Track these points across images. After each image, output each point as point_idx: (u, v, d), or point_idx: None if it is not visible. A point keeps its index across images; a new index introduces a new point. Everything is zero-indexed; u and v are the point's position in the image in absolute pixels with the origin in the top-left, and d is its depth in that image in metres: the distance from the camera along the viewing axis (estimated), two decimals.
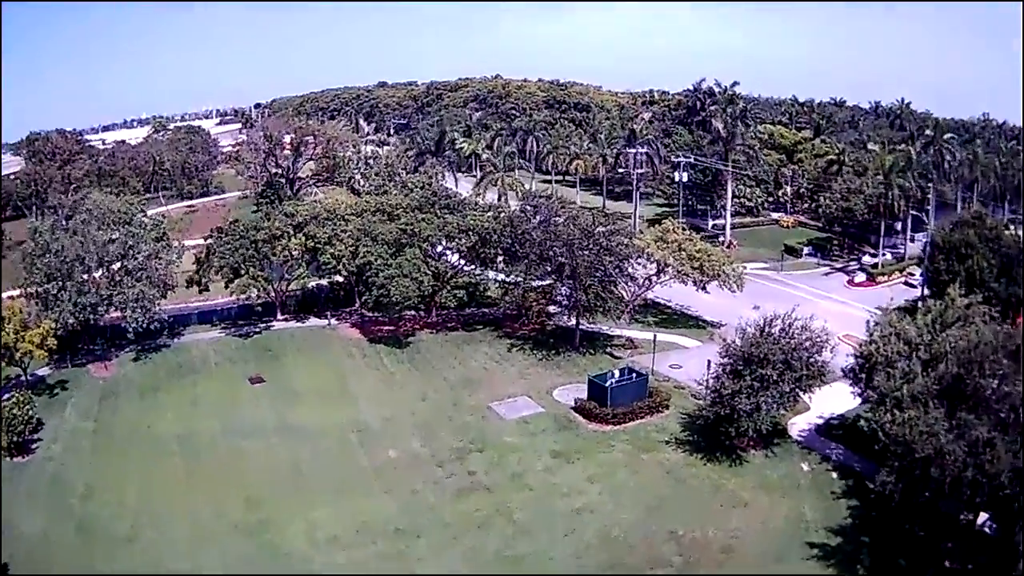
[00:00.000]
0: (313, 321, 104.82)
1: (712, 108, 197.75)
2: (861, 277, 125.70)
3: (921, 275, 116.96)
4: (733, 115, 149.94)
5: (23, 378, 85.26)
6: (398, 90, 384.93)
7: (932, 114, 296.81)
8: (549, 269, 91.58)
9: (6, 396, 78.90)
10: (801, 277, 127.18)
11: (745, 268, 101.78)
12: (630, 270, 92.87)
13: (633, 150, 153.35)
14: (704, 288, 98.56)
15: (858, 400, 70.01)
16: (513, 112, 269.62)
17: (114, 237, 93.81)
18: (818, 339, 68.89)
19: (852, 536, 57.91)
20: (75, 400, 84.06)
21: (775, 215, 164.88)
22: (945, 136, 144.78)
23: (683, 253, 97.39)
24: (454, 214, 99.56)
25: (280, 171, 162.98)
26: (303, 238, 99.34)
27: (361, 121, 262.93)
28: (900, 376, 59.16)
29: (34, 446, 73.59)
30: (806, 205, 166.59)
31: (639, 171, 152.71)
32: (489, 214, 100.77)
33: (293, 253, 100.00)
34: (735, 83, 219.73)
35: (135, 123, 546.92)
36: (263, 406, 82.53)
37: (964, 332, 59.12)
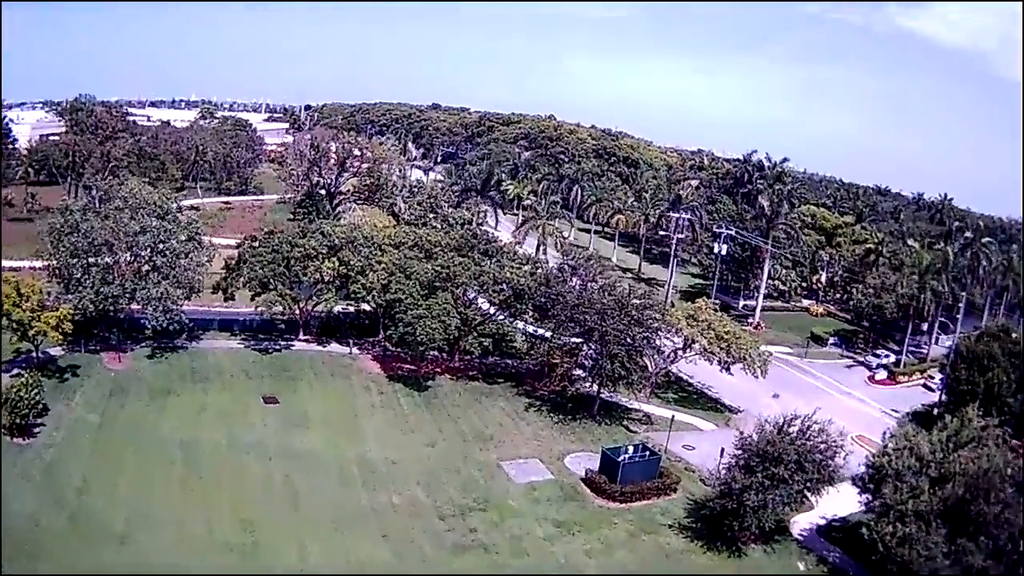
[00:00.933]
0: (334, 347, 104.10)
1: (759, 182, 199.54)
2: (882, 375, 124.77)
3: (941, 380, 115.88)
4: (780, 193, 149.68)
5: (34, 355, 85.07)
6: (450, 115, 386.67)
7: (972, 211, 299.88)
8: (578, 331, 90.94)
9: (14, 373, 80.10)
10: (823, 367, 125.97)
11: (770, 353, 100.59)
12: (657, 343, 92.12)
13: (676, 215, 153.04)
14: (728, 369, 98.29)
15: (862, 507, 69.35)
16: (562, 156, 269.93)
17: (145, 228, 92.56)
18: (834, 443, 68.97)
19: None
20: (84, 389, 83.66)
21: (806, 302, 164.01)
22: (984, 240, 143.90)
23: (712, 332, 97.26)
24: (491, 261, 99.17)
25: (321, 182, 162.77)
26: (336, 262, 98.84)
27: (410, 144, 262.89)
28: (907, 491, 60.13)
29: (36, 430, 73.11)
30: (838, 295, 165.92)
31: (679, 236, 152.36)
32: (527, 268, 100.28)
33: (324, 276, 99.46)
34: (785, 159, 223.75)
35: (183, 103, 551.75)
36: (272, 427, 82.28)
37: (976, 455, 59.92)
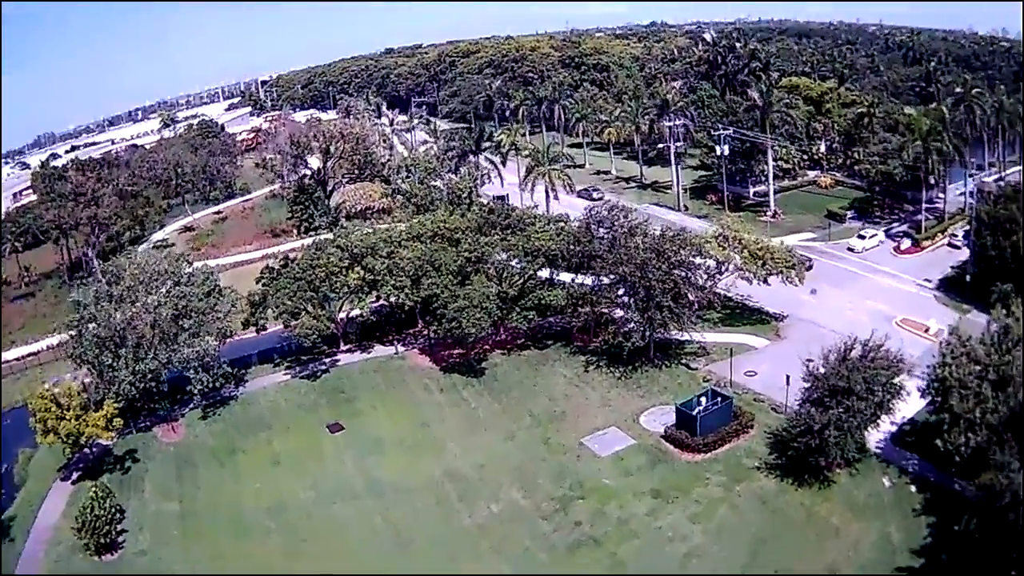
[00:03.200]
0: (379, 350, 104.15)
1: (734, 62, 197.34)
2: (907, 243, 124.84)
3: (963, 236, 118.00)
4: (768, 82, 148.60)
5: (88, 452, 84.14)
6: (407, 58, 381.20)
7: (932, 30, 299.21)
8: (621, 286, 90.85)
9: (75, 480, 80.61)
10: (846, 247, 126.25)
11: (806, 261, 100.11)
12: (697, 278, 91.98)
13: (668, 122, 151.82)
14: (765, 281, 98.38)
15: (928, 407, 71.27)
16: (530, 75, 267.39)
17: (163, 300, 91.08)
18: (896, 360, 69.59)
19: (934, 556, 59.53)
20: (150, 474, 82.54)
21: (811, 174, 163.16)
22: (974, 91, 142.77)
23: (746, 252, 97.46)
24: (516, 234, 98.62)
25: (310, 173, 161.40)
26: (361, 271, 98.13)
27: (384, 107, 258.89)
28: (973, 398, 61.10)
29: (121, 540, 71.51)
30: (840, 160, 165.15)
31: (676, 144, 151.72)
32: (552, 229, 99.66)
33: (351, 286, 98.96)
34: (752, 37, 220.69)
35: (139, 113, 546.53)
36: (348, 460, 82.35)
37: None
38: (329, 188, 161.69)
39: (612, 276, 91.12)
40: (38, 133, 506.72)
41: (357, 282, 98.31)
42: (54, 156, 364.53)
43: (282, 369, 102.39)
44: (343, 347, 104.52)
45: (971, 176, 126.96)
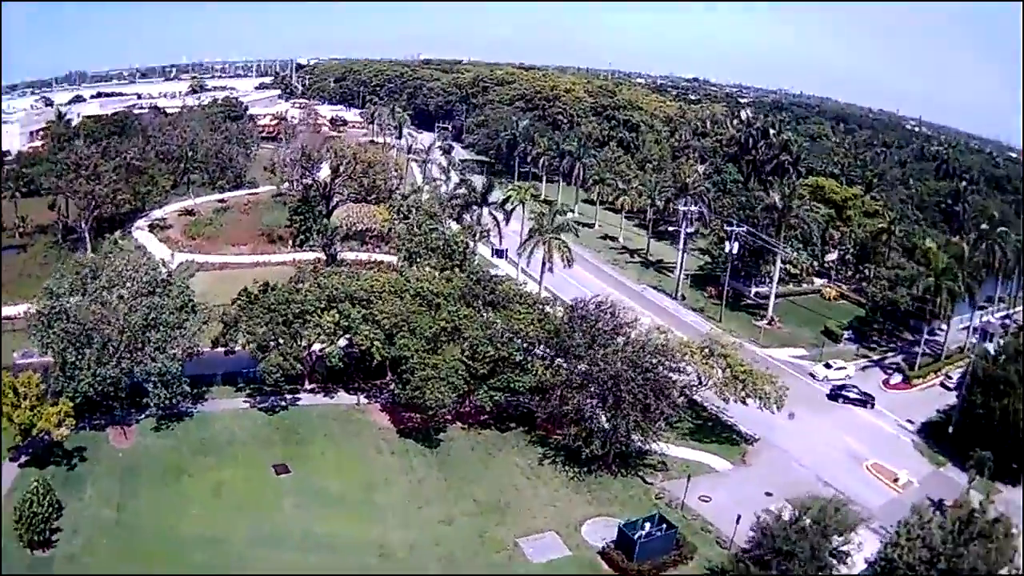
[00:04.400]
0: (342, 396, 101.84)
1: (763, 149, 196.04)
2: (897, 379, 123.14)
3: (958, 380, 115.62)
4: (791, 186, 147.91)
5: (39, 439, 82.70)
6: (443, 72, 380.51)
7: (971, 139, 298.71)
8: (591, 391, 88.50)
9: (23, 462, 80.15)
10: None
11: (778, 383, 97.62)
12: (673, 394, 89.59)
13: (684, 208, 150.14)
14: (743, 402, 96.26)
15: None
16: (560, 118, 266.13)
17: (135, 307, 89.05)
18: (850, 526, 66.94)
19: None
20: (94, 478, 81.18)
21: (818, 281, 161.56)
22: (999, 230, 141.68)
23: (728, 370, 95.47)
24: (498, 311, 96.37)
25: (316, 186, 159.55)
26: (336, 315, 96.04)
27: (405, 130, 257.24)
28: None
29: (54, 538, 70.86)
30: (850, 273, 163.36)
31: (688, 230, 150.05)
32: (535, 314, 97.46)
33: (325, 329, 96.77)
34: (787, 125, 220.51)
35: (173, 70, 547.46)
36: (287, 507, 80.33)
37: (986, 550, 60.13)
38: (332, 204, 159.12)
39: (584, 383, 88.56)
40: (70, 69, 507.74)
41: (331, 325, 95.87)
42: (78, 99, 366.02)
43: (243, 395, 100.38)
44: (308, 386, 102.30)
45: (980, 309, 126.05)
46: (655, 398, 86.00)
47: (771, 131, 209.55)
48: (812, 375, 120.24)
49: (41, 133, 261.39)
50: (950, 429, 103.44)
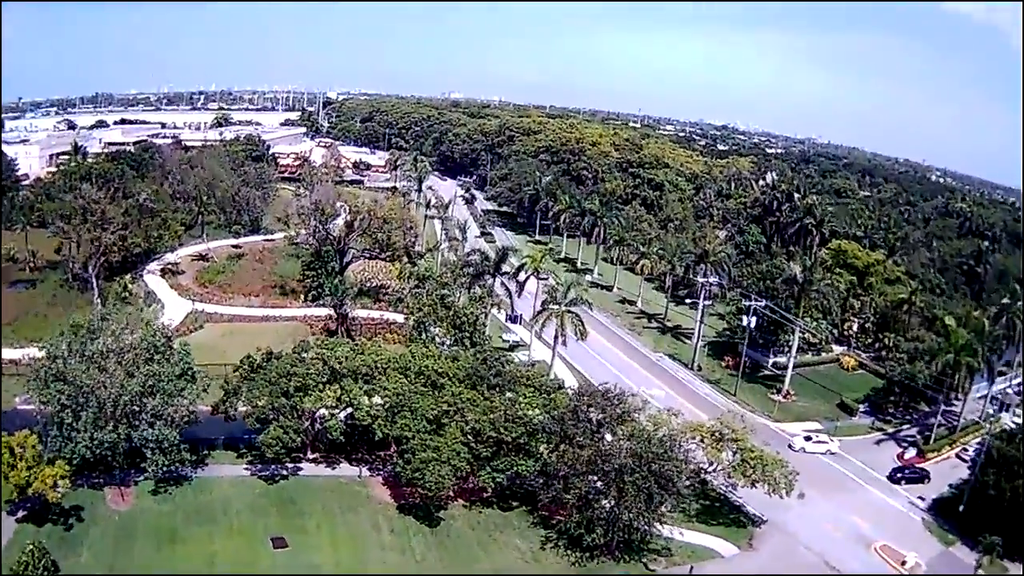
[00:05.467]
0: (344, 468, 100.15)
1: (787, 212, 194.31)
2: (911, 453, 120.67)
3: (974, 452, 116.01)
4: (812, 259, 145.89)
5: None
6: (471, 117, 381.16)
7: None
8: (595, 482, 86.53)
9: (20, 517, 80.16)
10: (851, 445, 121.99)
11: (788, 467, 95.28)
12: (680, 486, 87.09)
13: (702, 279, 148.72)
14: (752, 486, 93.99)
15: None
16: (584, 173, 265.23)
17: (133, 373, 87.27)
18: None
19: None
20: (90, 540, 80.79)
21: (837, 349, 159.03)
22: (1019, 304, 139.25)
23: (738, 456, 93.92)
24: (504, 394, 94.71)
25: (330, 240, 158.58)
26: (338, 390, 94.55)
27: (426, 182, 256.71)
28: None
29: None
30: (870, 341, 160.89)
31: (706, 302, 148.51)
32: (540, 401, 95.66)
33: (327, 403, 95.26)
34: (812, 182, 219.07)
35: (201, 98, 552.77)
36: None
37: None
38: (346, 260, 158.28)
39: (588, 474, 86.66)
40: (97, 90, 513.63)
41: (332, 399, 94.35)
42: (101, 124, 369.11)
43: (244, 462, 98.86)
44: (310, 455, 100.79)
45: (1000, 374, 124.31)
46: (660, 489, 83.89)
47: (796, 195, 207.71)
48: (790, 446, 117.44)
49: (62, 157, 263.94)
50: (961, 508, 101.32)
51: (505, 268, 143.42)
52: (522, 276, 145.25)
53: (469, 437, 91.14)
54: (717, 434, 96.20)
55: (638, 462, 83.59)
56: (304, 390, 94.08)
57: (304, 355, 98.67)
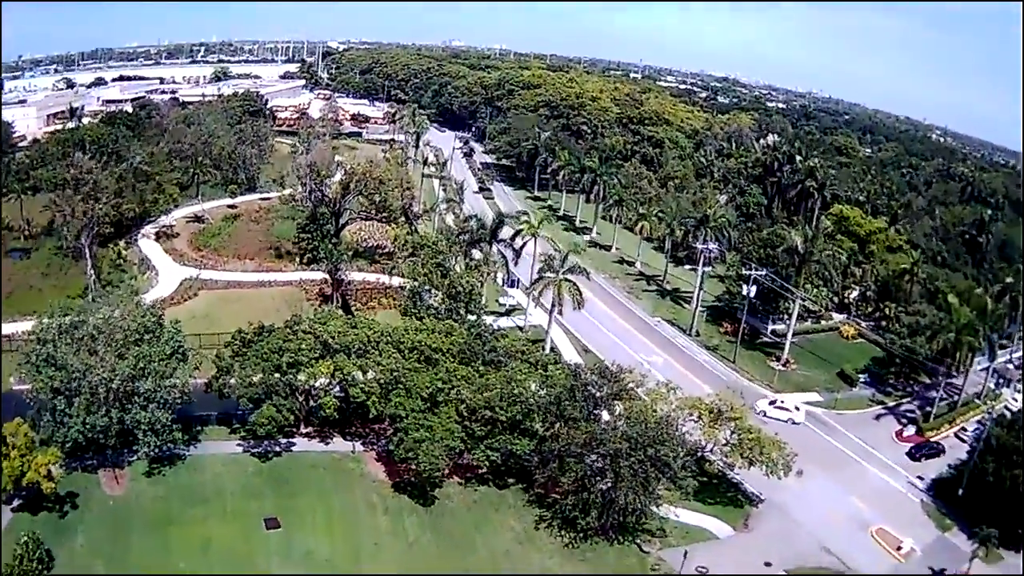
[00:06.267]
0: (338, 443, 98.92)
1: (788, 174, 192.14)
2: (911, 431, 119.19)
3: (973, 432, 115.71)
4: (815, 230, 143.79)
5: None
6: (470, 69, 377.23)
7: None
8: (590, 462, 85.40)
9: (15, 506, 79.40)
10: (850, 420, 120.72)
11: (786, 448, 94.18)
12: (675, 469, 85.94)
13: (702, 246, 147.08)
14: (748, 465, 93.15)
15: None
16: (584, 128, 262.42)
17: (123, 355, 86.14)
18: None
19: None
20: (85, 526, 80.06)
21: (836, 317, 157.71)
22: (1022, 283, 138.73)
23: (735, 436, 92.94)
24: (499, 370, 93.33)
25: (325, 202, 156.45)
26: (331, 364, 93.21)
27: (424, 135, 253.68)
28: None
29: None
30: (871, 310, 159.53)
31: (706, 268, 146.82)
32: (537, 376, 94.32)
33: (320, 379, 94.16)
34: (814, 142, 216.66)
35: (201, 50, 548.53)
36: (274, 567, 78.39)
37: None
38: (342, 222, 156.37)
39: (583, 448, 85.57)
40: (98, 46, 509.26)
41: (326, 375, 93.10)
42: (100, 82, 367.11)
43: (237, 438, 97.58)
44: (303, 429, 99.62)
45: (1001, 347, 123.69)
46: (656, 473, 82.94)
47: (797, 157, 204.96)
48: (753, 408, 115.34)
49: (59, 116, 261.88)
50: (960, 492, 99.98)
51: (502, 235, 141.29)
52: (519, 242, 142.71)
53: (464, 415, 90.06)
54: (716, 411, 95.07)
55: (634, 446, 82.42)
56: (297, 366, 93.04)
57: (296, 328, 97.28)
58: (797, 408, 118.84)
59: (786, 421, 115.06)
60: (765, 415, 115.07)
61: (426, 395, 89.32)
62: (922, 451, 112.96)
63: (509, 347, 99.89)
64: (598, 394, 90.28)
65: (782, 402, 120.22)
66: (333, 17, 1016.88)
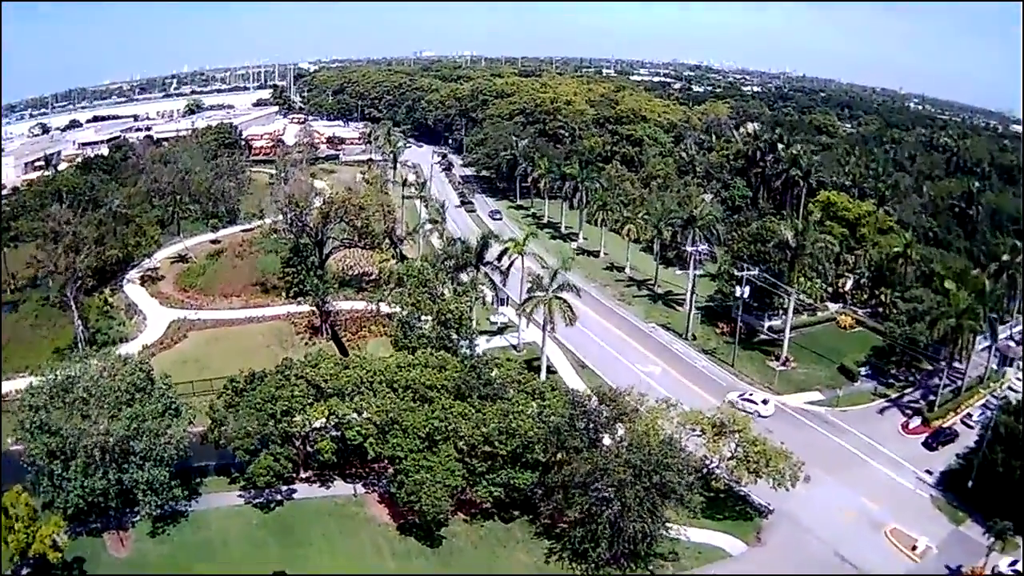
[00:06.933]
0: (339, 486, 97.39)
1: (772, 163, 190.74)
2: (916, 422, 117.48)
3: (979, 415, 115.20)
4: (805, 223, 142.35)
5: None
6: (442, 81, 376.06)
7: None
8: (595, 494, 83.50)
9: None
10: (854, 416, 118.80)
11: (787, 464, 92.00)
12: (680, 490, 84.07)
13: (691, 248, 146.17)
14: (755, 479, 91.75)
15: None
16: (561, 132, 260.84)
17: (116, 417, 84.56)
18: None
19: None
20: None
21: (833, 307, 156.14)
22: (1018, 260, 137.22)
23: (740, 449, 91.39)
24: (495, 404, 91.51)
25: (307, 232, 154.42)
26: (325, 410, 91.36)
27: (401, 156, 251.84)
28: None
29: None
30: (865, 297, 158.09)
31: (696, 272, 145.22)
32: (535, 407, 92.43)
33: (315, 424, 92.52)
34: (795, 135, 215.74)
35: (173, 82, 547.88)
36: None
37: None
38: (325, 252, 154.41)
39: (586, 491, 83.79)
40: (70, 86, 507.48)
41: (321, 419, 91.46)
42: (75, 124, 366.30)
43: (237, 488, 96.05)
44: (303, 474, 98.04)
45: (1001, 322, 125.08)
46: (663, 498, 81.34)
47: (779, 145, 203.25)
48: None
49: (36, 164, 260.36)
50: (969, 483, 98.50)
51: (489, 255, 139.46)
52: (505, 262, 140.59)
53: (463, 451, 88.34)
54: (719, 426, 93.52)
55: (638, 473, 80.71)
56: (291, 413, 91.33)
57: (288, 372, 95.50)
58: (765, 402, 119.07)
59: (752, 413, 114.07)
60: (733, 406, 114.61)
61: (423, 434, 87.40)
62: (938, 439, 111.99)
63: (505, 376, 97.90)
64: (598, 420, 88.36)
65: (751, 395, 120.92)
66: (303, 37, 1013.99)
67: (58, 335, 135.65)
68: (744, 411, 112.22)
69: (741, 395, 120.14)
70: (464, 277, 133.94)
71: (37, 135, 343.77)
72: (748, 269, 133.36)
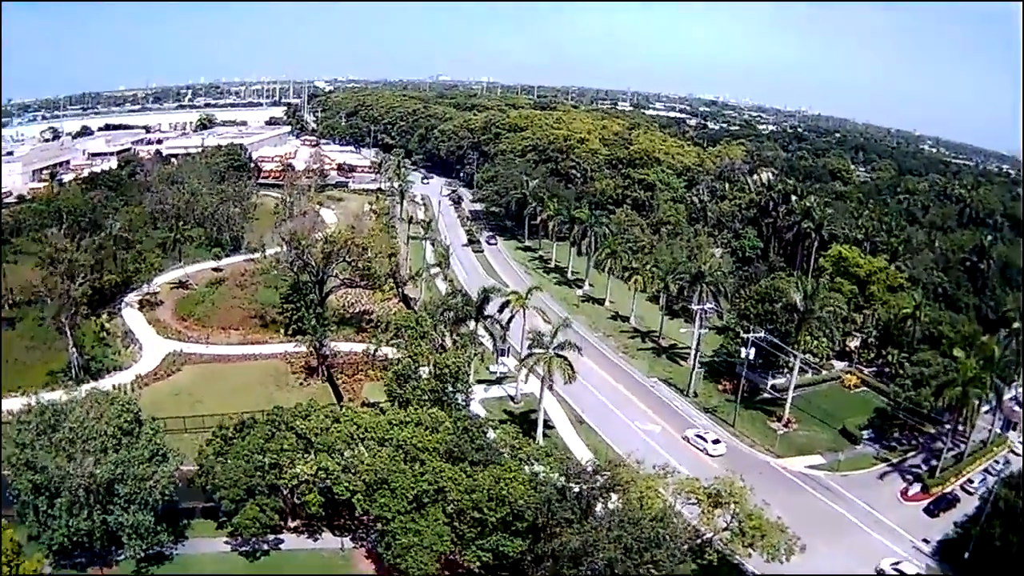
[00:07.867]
0: (326, 538, 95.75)
1: (784, 215, 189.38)
2: (916, 488, 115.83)
3: (980, 486, 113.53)
4: (814, 285, 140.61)
5: None
6: (456, 109, 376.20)
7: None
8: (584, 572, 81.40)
9: None
10: (854, 481, 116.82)
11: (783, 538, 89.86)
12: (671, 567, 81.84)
13: (698, 307, 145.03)
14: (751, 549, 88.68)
15: None
16: (573, 172, 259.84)
17: (100, 461, 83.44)
18: None
19: None
20: None
21: (838, 365, 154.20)
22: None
23: (735, 521, 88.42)
24: (487, 468, 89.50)
25: (308, 271, 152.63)
26: (314, 465, 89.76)
27: (410, 191, 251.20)
28: None
29: None
30: (871, 356, 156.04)
31: (702, 330, 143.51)
32: (526, 473, 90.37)
33: (302, 479, 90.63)
34: (809, 185, 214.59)
35: (188, 92, 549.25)
36: None
37: None
38: (325, 291, 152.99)
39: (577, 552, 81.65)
40: (86, 89, 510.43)
41: (309, 474, 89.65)
42: (86, 131, 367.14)
43: (224, 534, 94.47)
44: (290, 523, 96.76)
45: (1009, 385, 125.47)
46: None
47: (793, 197, 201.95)
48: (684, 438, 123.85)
49: (45, 172, 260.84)
50: (966, 555, 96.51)
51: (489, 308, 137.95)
52: (506, 315, 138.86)
53: (452, 516, 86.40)
54: (714, 497, 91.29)
55: (629, 550, 78.60)
56: (279, 466, 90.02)
57: (278, 421, 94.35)
58: (716, 441, 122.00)
59: (701, 450, 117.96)
60: (688, 440, 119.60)
61: (411, 496, 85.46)
62: (940, 506, 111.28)
63: (499, 441, 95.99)
64: (591, 493, 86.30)
65: (705, 432, 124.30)
66: (319, 55, 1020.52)
67: (53, 357, 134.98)
68: (695, 447, 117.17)
69: (696, 432, 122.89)
70: (464, 329, 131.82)
71: (48, 140, 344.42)
72: (754, 330, 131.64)
